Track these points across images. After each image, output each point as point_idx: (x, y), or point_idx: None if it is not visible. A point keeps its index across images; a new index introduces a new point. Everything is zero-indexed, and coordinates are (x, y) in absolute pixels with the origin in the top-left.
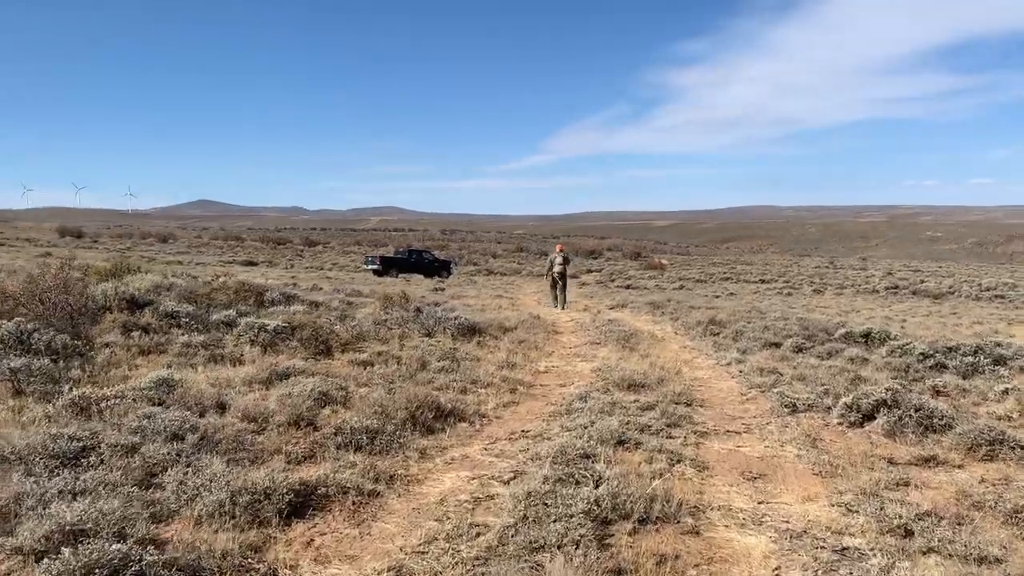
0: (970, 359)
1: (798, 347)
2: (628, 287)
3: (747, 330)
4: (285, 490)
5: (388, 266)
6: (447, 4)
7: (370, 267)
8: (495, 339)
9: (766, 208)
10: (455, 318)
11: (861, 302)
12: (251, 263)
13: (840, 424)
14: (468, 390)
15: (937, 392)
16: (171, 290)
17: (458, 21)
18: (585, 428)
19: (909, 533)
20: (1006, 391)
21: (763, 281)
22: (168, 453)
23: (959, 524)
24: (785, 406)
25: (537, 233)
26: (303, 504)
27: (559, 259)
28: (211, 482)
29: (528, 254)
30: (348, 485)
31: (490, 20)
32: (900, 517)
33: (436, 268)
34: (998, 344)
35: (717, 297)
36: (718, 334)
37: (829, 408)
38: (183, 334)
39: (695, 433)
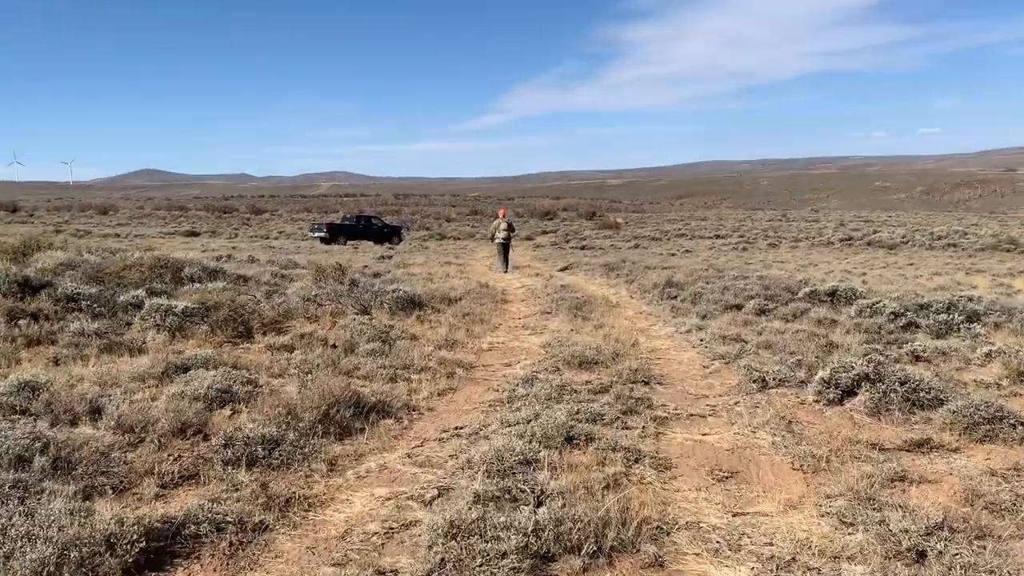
0: (943, 316)
1: (761, 309)
2: (583, 248)
3: (706, 292)
4: (137, 535)
5: (335, 233)
6: None
7: (316, 235)
8: (437, 313)
9: (719, 163)
10: (393, 291)
11: (817, 255)
12: (193, 233)
13: (817, 402)
14: (399, 377)
15: (916, 358)
16: (77, 269)
17: None
18: (528, 422)
19: (922, 556)
20: (989, 354)
21: (718, 236)
22: (1, 487)
23: (979, 539)
24: (753, 381)
25: (492, 195)
26: (162, 551)
27: (503, 225)
28: (42, 530)
29: (483, 217)
30: (227, 518)
31: None
32: (907, 533)
33: (386, 234)
34: (969, 299)
35: (673, 255)
36: (675, 297)
37: (803, 383)
38: (81, 320)
39: (655, 420)
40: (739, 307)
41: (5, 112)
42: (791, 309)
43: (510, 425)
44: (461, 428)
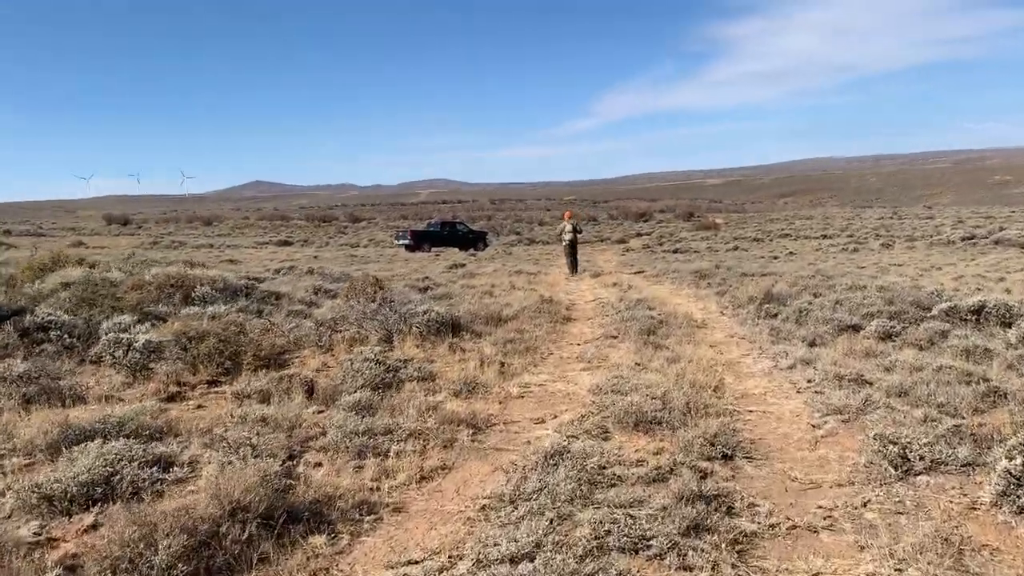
0: None
1: (886, 332)
2: (676, 251)
3: (814, 308)
4: None
5: (420, 241)
6: None
7: (401, 243)
8: (478, 338)
9: (824, 160)
10: (424, 312)
11: (939, 256)
12: (286, 243)
13: (997, 506)
14: (371, 450)
15: None
16: (71, 288)
17: None
18: (522, 560)
19: None
20: None
21: (825, 236)
22: None
23: None
24: (890, 461)
25: (587, 198)
26: None
27: (568, 227)
28: None
29: (577, 220)
30: None
31: None
32: None
33: (471, 240)
34: None
35: (775, 258)
36: (776, 315)
37: (969, 466)
38: (38, 355)
39: (734, 545)
40: (856, 328)
41: (128, 130)
42: (925, 332)
43: (489, 565)
44: (419, 561)
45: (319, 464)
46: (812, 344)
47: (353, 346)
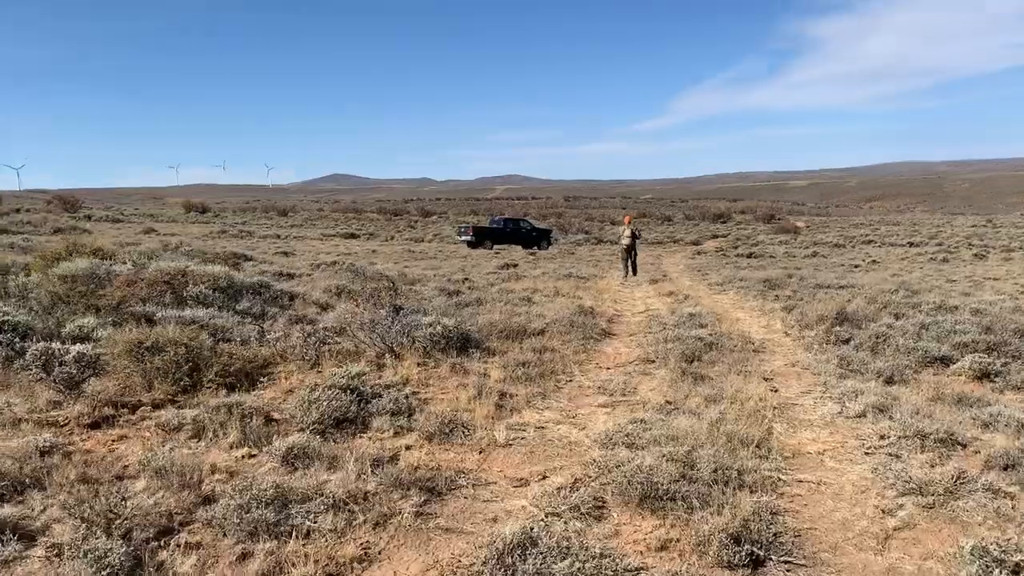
0: None
1: (982, 369)
2: (750, 255)
3: (894, 334)
4: None
5: (481, 237)
6: None
7: (463, 239)
8: (489, 357)
9: (913, 164)
10: (429, 325)
11: None
12: (352, 235)
13: None
14: (272, 530)
15: None
16: (76, 283)
17: None
18: None
19: None
20: None
21: (912, 244)
22: None
23: None
24: None
25: (665, 197)
26: None
27: (627, 232)
28: None
29: (650, 219)
30: None
31: None
32: None
33: (534, 238)
34: None
35: (856, 267)
36: (848, 340)
37: None
38: None
39: None
40: (946, 362)
41: (217, 124)
42: None
43: None
44: None
45: (194, 546)
46: (889, 381)
47: (343, 362)
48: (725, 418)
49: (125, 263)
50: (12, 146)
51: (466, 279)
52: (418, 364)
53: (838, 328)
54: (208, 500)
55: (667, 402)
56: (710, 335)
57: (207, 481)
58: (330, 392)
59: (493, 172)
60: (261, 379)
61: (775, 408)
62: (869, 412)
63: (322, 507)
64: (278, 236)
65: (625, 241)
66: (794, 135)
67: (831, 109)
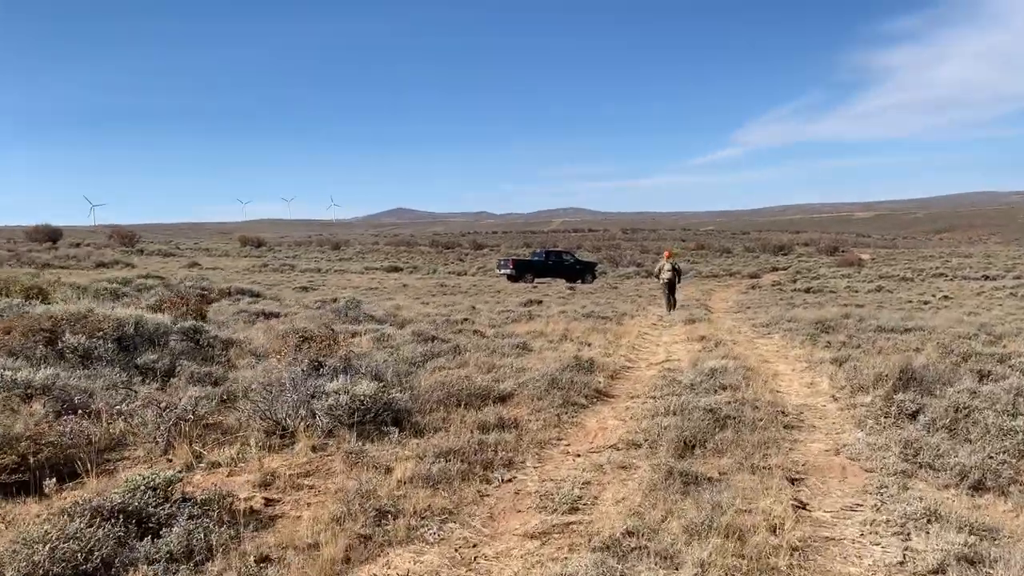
0: None
1: None
2: (808, 290)
3: (979, 404)
4: None
5: (522, 271)
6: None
7: (503, 272)
8: (415, 436)
9: (985, 194)
10: (336, 393)
11: None
12: (395, 268)
13: None
14: None
15: None
16: None
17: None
18: None
19: None
20: None
21: (987, 278)
22: None
23: None
24: None
25: (725, 229)
26: None
27: (667, 266)
28: None
29: (708, 251)
30: None
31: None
32: None
33: (578, 271)
34: None
35: (925, 304)
36: (916, 414)
37: None
38: None
39: None
40: None
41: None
42: None
43: None
44: None
45: None
46: (978, 487)
47: (206, 447)
48: (709, 570)
49: (58, 302)
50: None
51: (466, 319)
52: (313, 448)
53: (902, 396)
54: None
55: (628, 532)
56: (729, 403)
57: None
58: (79, 524)
59: (552, 205)
60: (83, 472)
61: (795, 550)
62: (952, 563)
63: None
64: (318, 270)
65: (666, 276)
66: (859, 166)
67: (897, 140)
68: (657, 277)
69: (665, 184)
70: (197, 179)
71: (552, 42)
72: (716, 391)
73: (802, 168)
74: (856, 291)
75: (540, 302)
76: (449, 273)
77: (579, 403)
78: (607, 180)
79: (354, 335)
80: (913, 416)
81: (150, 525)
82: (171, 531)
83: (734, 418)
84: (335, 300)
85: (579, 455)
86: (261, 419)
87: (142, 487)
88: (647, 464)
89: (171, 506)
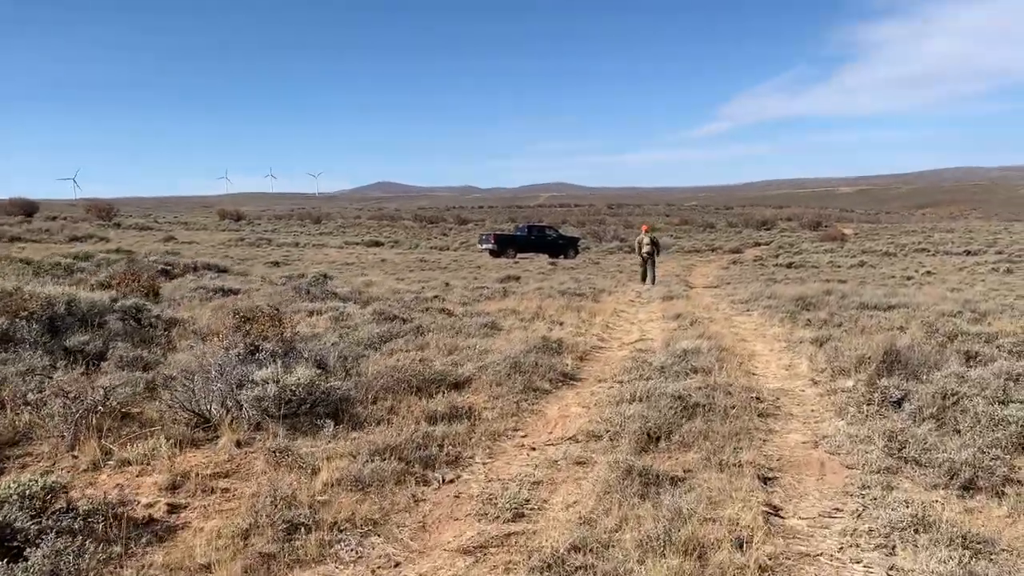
0: None
1: None
2: (790, 265)
3: (968, 390)
4: None
5: (504, 245)
6: None
7: (484, 247)
8: (354, 429)
9: (968, 170)
10: (265, 382)
11: None
12: (376, 243)
13: None
14: None
15: None
16: None
17: None
18: None
19: None
20: None
21: (969, 252)
22: None
23: None
24: None
25: (711, 204)
26: None
27: (646, 240)
28: None
29: (691, 226)
30: None
31: None
32: None
33: (561, 246)
34: None
35: (909, 280)
36: (902, 400)
37: None
38: None
39: None
40: None
41: (265, 132)
42: None
43: None
44: None
45: None
46: (969, 487)
47: (116, 440)
48: None
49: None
50: (71, 156)
51: (436, 296)
52: (237, 444)
53: (886, 380)
54: None
55: (575, 547)
56: (700, 388)
57: None
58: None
59: (538, 180)
60: None
61: (764, 571)
62: None
63: None
64: (296, 244)
65: (645, 249)
66: (844, 141)
67: (882, 114)
68: (637, 252)
69: (651, 160)
70: (184, 153)
71: (534, 17)
72: (687, 375)
73: (788, 143)
74: (839, 266)
75: (518, 278)
76: (431, 248)
77: (542, 388)
78: (594, 155)
79: (312, 314)
80: (898, 404)
81: (15, 544)
82: (37, 550)
83: (704, 406)
84: (302, 276)
85: (534, 448)
86: (182, 410)
87: (15, 495)
88: (605, 460)
89: (48, 519)
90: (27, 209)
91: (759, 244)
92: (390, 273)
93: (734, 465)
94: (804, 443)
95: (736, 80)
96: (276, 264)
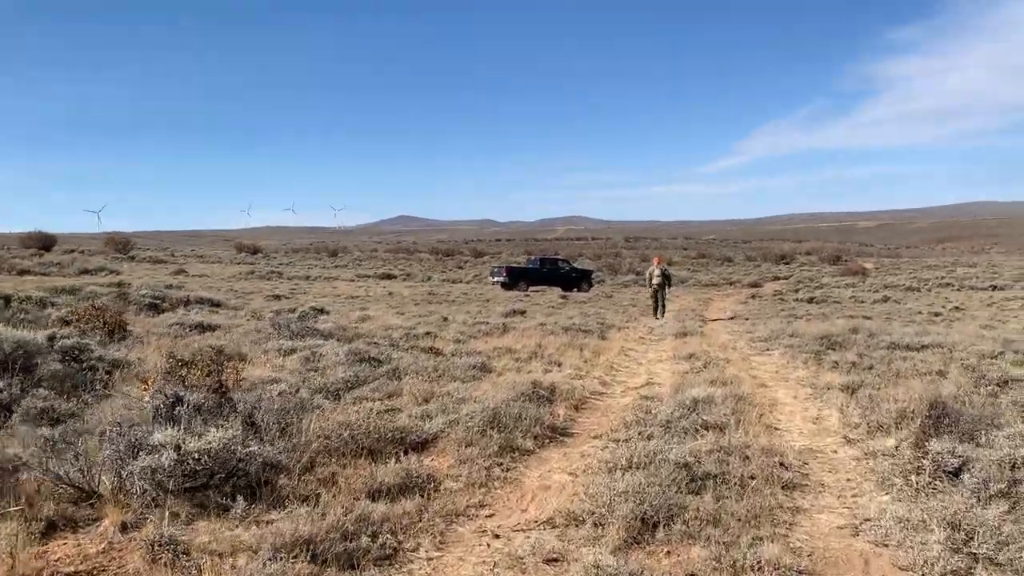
0: None
1: None
2: (811, 300)
3: None
4: None
5: (515, 278)
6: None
7: (496, 279)
8: (274, 508)
9: (989, 204)
10: (161, 447)
11: None
12: (389, 276)
13: None
14: None
15: None
16: None
17: (645, 13)
18: None
19: None
20: None
21: (995, 288)
22: None
23: None
24: None
25: (728, 238)
26: None
27: (657, 271)
28: None
29: (709, 260)
30: None
31: (683, 20)
32: None
33: (574, 279)
34: None
35: (937, 316)
36: (959, 471)
37: None
38: None
39: None
40: None
41: (287, 170)
42: None
43: None
44: None
45: None
46: None
47: None
48: None
49: None
50: (95, 191)
51: (427, 333)
52: (123, 527)
53: (935, 442)
54: None
55: None
56: (712, 451)
57: None
58: None
59: (554, 214)
60: None
61: None
62: None
63: None
64: (307, 277)
65: (656, 282)
66: (863, 176)
67: (901, 150)
68: (649, 284)
69: (669, 193)
70: (210, 188)
71: (555, 51)
72: (697, 432)
73: (807, 177)
74: (862, 302)
75: (524, 312)
76: (443, 280)
77: (523, 448)
78: (610, 189)
79: (285, 353)
80: (955, 474)
81: None
82: None
83: (716, 476)
84: (293, 310)
85: (498, 536)
86: (57, 482)
87: None
88: (582, 563)
89: None
90: (44, 243)
91: (778, 278)
92: (393, 307)
93: (752, 569)
94: (841, 528)
95: (754, 115)
96: (277, 298)
